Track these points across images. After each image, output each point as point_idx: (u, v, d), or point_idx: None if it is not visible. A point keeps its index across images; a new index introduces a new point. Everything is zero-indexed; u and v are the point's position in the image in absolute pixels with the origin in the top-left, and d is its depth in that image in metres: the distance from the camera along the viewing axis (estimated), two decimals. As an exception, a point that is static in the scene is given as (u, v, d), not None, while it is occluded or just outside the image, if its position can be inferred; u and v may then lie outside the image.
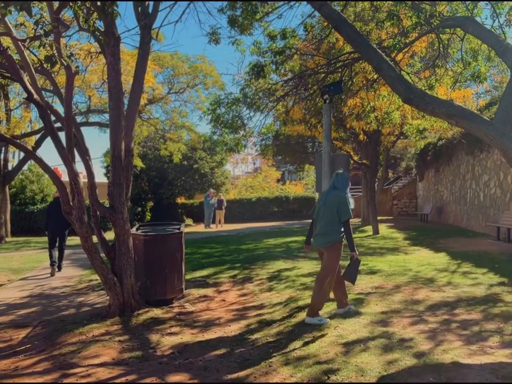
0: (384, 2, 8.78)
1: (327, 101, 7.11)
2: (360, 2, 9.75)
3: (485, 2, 7.07)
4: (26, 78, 6.81)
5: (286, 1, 9.54)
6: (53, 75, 8.08)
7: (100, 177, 29.14)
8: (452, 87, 9.54)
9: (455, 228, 17.74)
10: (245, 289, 8.47)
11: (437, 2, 7.50)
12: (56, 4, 5.95)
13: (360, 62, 9.68)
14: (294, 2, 9.61)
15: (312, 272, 9.44)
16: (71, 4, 4.63)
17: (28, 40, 6.75)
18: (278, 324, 6.10)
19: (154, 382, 4.41)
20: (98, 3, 4.54)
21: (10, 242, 19.25)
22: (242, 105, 12.26)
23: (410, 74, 9.08)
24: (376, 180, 20.83)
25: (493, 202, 15.25)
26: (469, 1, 7.13)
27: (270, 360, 4.79)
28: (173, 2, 8.57)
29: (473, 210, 17.15)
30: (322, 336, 5.46)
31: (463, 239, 14.05)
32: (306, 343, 5.24)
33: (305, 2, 8.54)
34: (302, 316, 6.32)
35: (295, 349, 5.10)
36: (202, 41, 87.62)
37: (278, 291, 8.07)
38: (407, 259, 10.53)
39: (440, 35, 8.08)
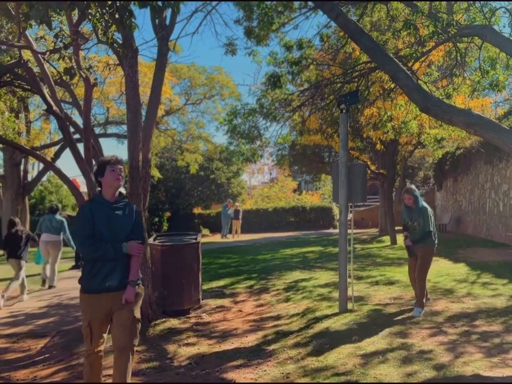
0: (401, 11, 8.76)
1: (344, 111, 7.08)
2: (376, 12, 9.73)
3: (503, 10, 7.00)
4: (46, 90, 6.93)
5: (304, 6, 9.56)
6: (72, 87, 8.20)
7: (118, 187, 29.28)
8: (470, 96, 9.44)
9: (474, 238, 17.50)
10: (261, 300, 8.44)
11: (454, 11, 7.46)
12: (75, 17, 6.05)
13: (377, 71, 9.65)
14: (310, 12, 9.64)
15: (329, 282, 9.38)
16: (90, 17, 4.70)
17: (47, 53, 6.87)
18: (295, 335, 6.06)
19: (172, 392, 4.40)
20: (117, 16, 4.60)
21: (30, 253, 19.40)
22: (258, 116, 12.28)
23: (427, 84, 9.02)
24: (394, 189, 20.68)
25: (513, 212, 15.04)
26: (486, 1, 7.05)
27: (288, 372, 4.76)
28: (190, 14, 8.64)
29: (493, 220, 16.92)
30: (340, 347, 5.41)
31: (482, 249, 13.85)
32: (324, 355, 5.20)
33: (321, 13, 8.55)
34: (320, 326, 6.28)
35: (312, 360, 5.06)
36: (218, 52, 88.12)
37: (295, 302, 8.02)
38: (426, 269, 10.41)
39: (458, 44, 8.02)
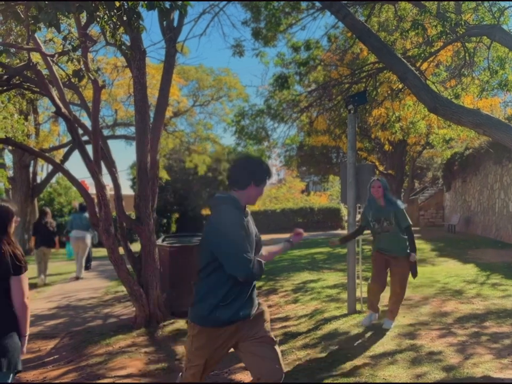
0: (409, 11, 8.74)
1: (352, 111, 7.06)
2: (384, 12, 9.72)
3: (512, 9, 6.97)
4: (54, 93, 6.95)
5: (312, 7, 9.56)
6: (80, 89, 8.22)
7: (126, 189, 29.49)
8: (479, 96, 9.40)
9: (484, 239, 17.39)
10: (270, 301, 8.43)
11: (462, 11, 7.43)
12: (83, 20, 6.08)
13: (385, 71, 9.63)
14: (318, 13, 9.64)
15: (337, 283, 9.35)
16: (98, 19, 4.72)
17: (56, 56, 6.89)
18: (304, 336, 6.05)
19: (180, 393, 4.40)
20: (125, 18, 4.61)
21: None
22: (266, 117, 12.32)
23: (435, 84, 8.99)
24: (402, 190, 20.61)
25: (522, 213, 14.94)
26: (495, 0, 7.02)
27: (296, 373, 4.75)
28: (198, 15, 8.67)
29: (502, 221, 16.81)
30: (349, 348, 5.39)
31: (492, 250, 13.76)
32: (332, 356, 5.18)
33: (328, 13, 8.55)
34: (328, 327, 6.26)
35: (321, 361, 5.04)
36: (226, 53, 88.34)
37: (304, 303, 8.01)
38: (435, 270, 10.36)
39: (466, 44, 7.99)
